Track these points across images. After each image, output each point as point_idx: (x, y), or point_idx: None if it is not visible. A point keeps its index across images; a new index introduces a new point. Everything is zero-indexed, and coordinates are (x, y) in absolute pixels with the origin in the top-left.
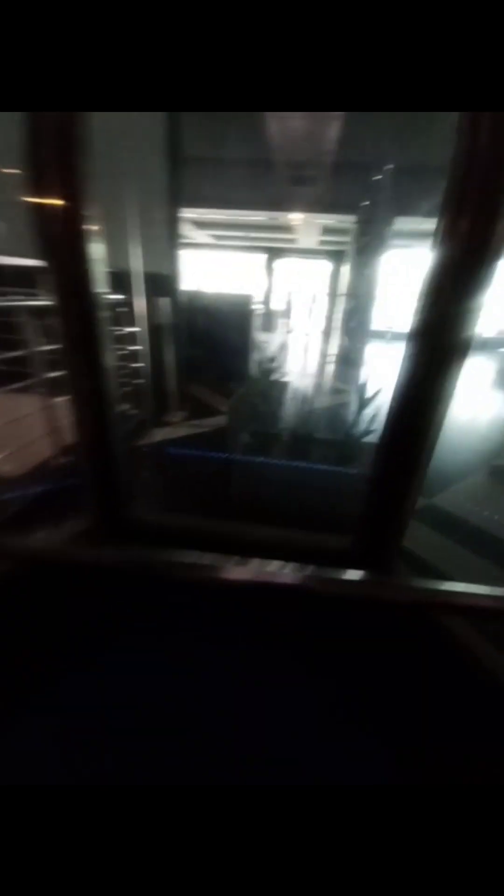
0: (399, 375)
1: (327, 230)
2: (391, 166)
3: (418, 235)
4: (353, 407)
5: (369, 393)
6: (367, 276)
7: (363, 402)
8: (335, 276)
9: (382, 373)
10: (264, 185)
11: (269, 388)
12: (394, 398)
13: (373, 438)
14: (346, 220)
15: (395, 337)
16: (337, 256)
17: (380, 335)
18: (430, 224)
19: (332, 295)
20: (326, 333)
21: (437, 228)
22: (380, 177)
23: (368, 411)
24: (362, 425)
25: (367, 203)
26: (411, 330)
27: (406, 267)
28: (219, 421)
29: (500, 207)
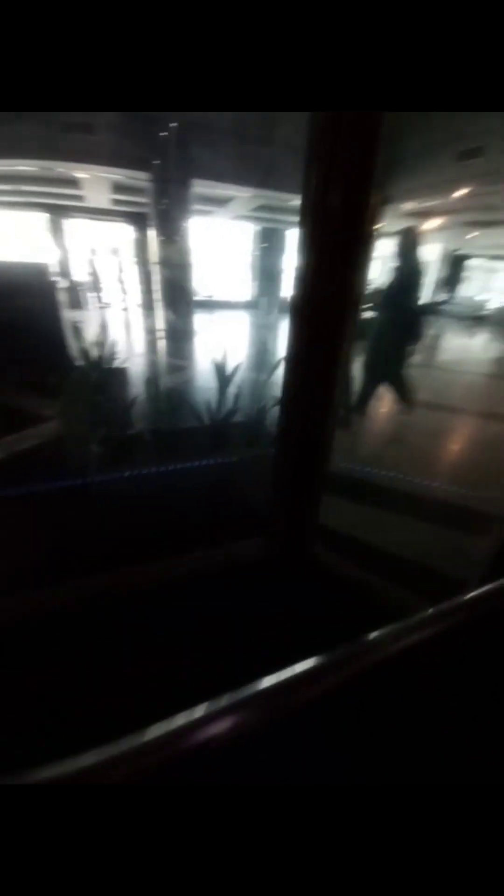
0: (289, 352)
1: (120, 188)
2: (175, 123)
3: (220, 201)
4: (216, 386)
5: (228, 369)
6: (177, 242)
7: (225, 381)
8: (142, 242)
9: (217, 344)
10: (32, 127)
11: (106, 379)
12: (287, 376)
13: (241, 417)
14: (140, 178)
15: (219, 306)
16: (139, 220)
17: (203, 305)
18: (230, 191)
19: (142, 263)
20: (147, 306)
21: (304, 200)
22: (165, 133)
23: (231, 390)
24: (228, 405)
25: (158, 161)
26: (294, 304)
27: (213, 233)
28: (44, 431)
29: (370, 179)
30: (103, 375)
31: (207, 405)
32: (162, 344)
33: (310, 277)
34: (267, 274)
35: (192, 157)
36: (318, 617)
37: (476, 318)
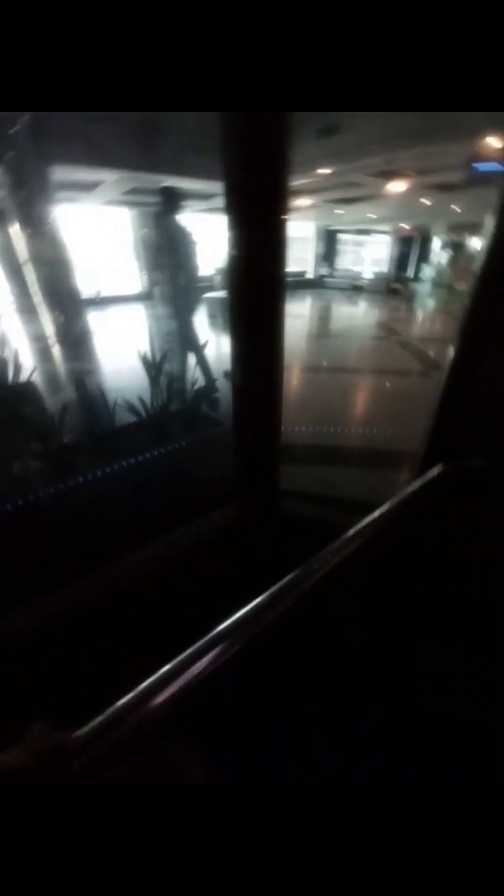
0: (232, 334)
1: None
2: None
3: (85, 187)
4: (148, 378)
5: (154, 361)
6: (48, 235)
7: (155, 373)
8: (3, 239)
9: (123, 341)
10: None
11: (20, 394)
12: (234, 357)
13: (176, 406)
14: None
15: (109, 302)
16: None
17: (92, 303)
18: (92, 174)
19: (9, 262)
20: (26, 311)
21: (225, 188)
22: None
23: (162, 380)
24: (163, 396)
25: (10, 152)
26: (229, 290)
27: (86, 222)
28: None
29: (285, 168)
30: (15, 391)
31: (139, 400)
32: (56, 350)
33: (243, 260)
34: (153, 260)
35: (47, 144)
36: (293, 547)
37: (355, 288)
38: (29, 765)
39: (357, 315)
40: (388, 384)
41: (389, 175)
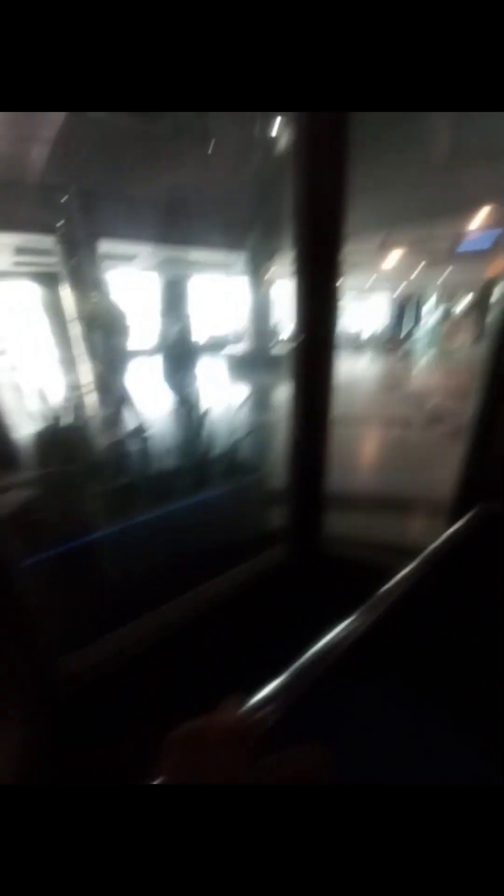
0: (293, 387)
1: (21, 250)
2: (75, 187)
3: (126, 258)
4: (191, 428)
5: (199, 411)
6: (98, 297)
7: (199, 422)
8: (53, 300)
9: (153, 392)
10: None
11: (77, 438)
12: (291, 408)
13: (217, 452)
14: (44, 240)
15: (133, 355)
16: (47, 279)
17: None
18: (133, 248)
19: (56, 320)
20: (68, 362)
21: (294, 252)
22: (66, 197)
23: (205, 430)
24: (205, 444)
25: (62, 223)
26: (293, 347)
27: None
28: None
29: (341, 234)
30: (72, 434)
31: (183, 446)
32: (92, 398)
33: (305, 319)
34: (176, 320)
35: (94, 219)
36: (338, 591)
37: (355, 346)
38: (227, 729)
39: (358, 370)
40: (386, 432)
41: (387, 246)
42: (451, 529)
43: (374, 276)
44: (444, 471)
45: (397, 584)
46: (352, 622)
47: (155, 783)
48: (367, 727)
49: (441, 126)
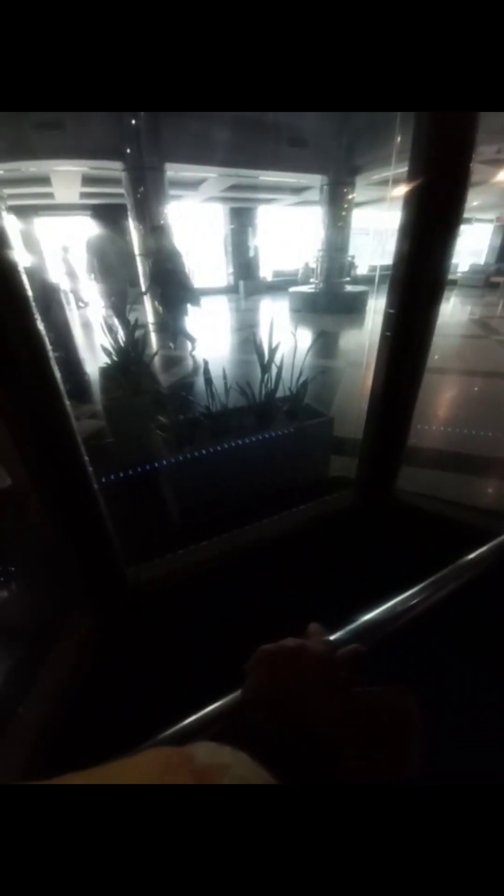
0: (385, 320)
1: (90, 180)
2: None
3: (191, 185)
4: (260, 367)
5: (267, 353)
6: (163, 231)
7: (268, 363)
8: (118, 233)
9: (213, 332)
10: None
11: (146, 373)
12: (382, 340)
13: (281, 395)
14: (112, 168)
15: (201, 293)
16: (111, 210)
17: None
18: (202, 172)
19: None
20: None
21: (408, 183)
22: (134, 120)
23: (273, 371)
24: (271, 386)
25: (130, 149)
26: (394, 275)
27: (188, 218)
28: (85, 427)
29: (468, 163)
30: (142, 370)
31: (248, 385)
32: (154, 337)
33: (409, 258)
34: (242, 256)
35: (163, 142)
36: (411, 543)
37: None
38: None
39: (448, 312)
40: (476, 389)
41: (500, 163)
42: None
43: (479, 195)
44: None
45: (496, 548)
46: (438, 581)
47: (237, 694)
48: (447, 696)
49: None
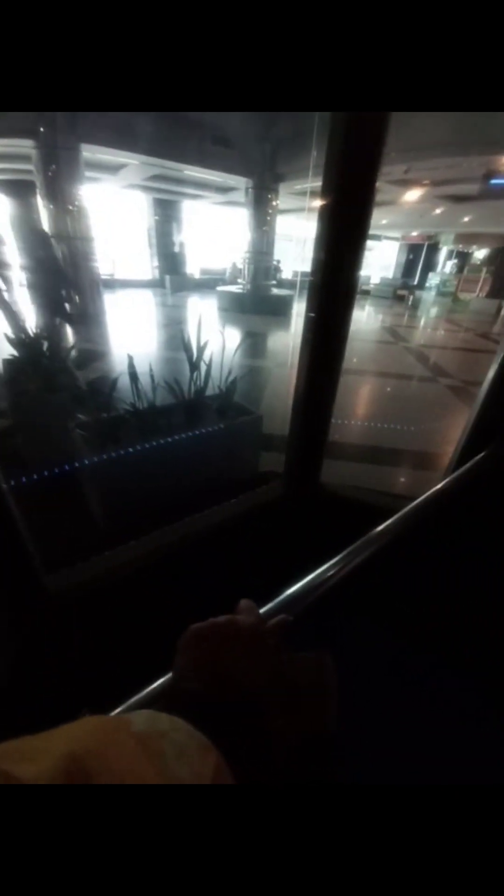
0: (306, 322)
1: None
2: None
3: (110, 168)
4: (189, 366)
5: (195, 351)
6: (75, 212)
7: (197, 360)
8: (25, 211)
9: (136, 326)
10: None
11: (57, 368)
12: (304, 342)
13: (209, 392)
14: (20, 145)
15: (120, 284)
16: (18, 188)
17: (105, 284)
18: (118, 157)
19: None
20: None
21: (322, 189)
22: None
23: (202, 369)
24: (200, 383)
25: (44, 128)
26: (312, 281)
27: (105, 203)
28: None
29: (375, 173)
30: (57, 364)
31: (177, 382)
32: (70, 329)
33: (325, 266)
34: (167, 249)
35: (80, 122)
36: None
37: (362, 292)
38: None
39: (363, 319)
40: (389, 389)
41: (407, 183)
42: (456, 473)
43: (388, 214)
44: (444, 424)
45: (398, 521)
46: (350, 553)
47: (169, 676)
48: (360, 657)
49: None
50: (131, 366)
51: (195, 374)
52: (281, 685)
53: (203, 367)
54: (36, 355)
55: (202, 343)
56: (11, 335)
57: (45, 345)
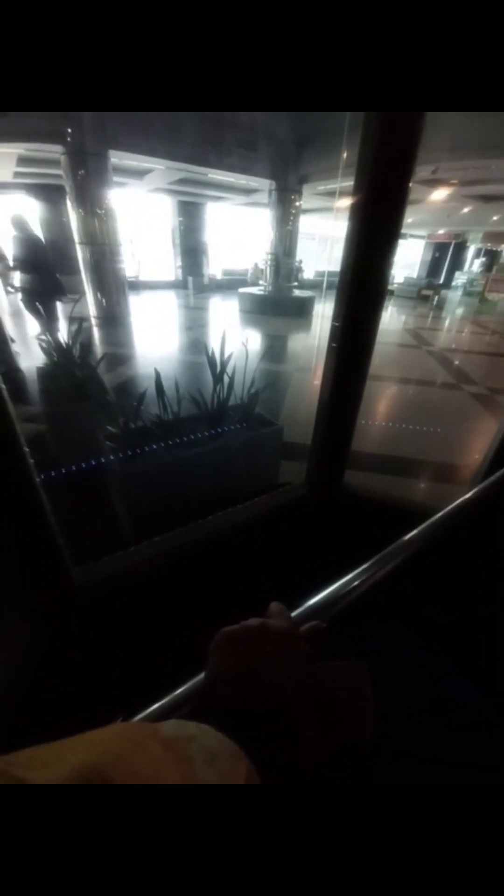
0: (333, 326)
1: (25, 161)
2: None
3: (137, 173)
4: (212, 376)
5: (219, 359)
6: (103, 216)
7: (220, 371)
8: (56, 216)
9: (160, 328)
10: None
11: (88, 378)
12: (331, 342)
13: (233, 401)
14: (50, 150)
15: (144, 286)
16: (49, 192)
17: (130, 285)
18: (148, 162)
19: (58, 238)
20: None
21: (354, 189)
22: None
23: (225, 381)
24: (223, 395)
25: (72, 132)
26: (341, 281)
27: (131, 206)
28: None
29: (408, 181)
30: (87, 374)
31: (200, 394)
32: (97, 333)
33: (355, 267)
34: (191, 250)
35: (108, 128)
36: (358, 527)
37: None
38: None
39: (385, 320)
40: (412, 393)
41: (434, 183)
42: (485, 482)
43: (413, 212)
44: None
45: (427, 529)
46: (380, 560)
47: (201, 678)
48: (391, 664)
49: None
50: (158, 381)
51: (218, 387)
52: (314, 693)
53: (226, 380)
54: (68, 364)
55: (225, 356)
56: (44, 343)
57: (77, 352)
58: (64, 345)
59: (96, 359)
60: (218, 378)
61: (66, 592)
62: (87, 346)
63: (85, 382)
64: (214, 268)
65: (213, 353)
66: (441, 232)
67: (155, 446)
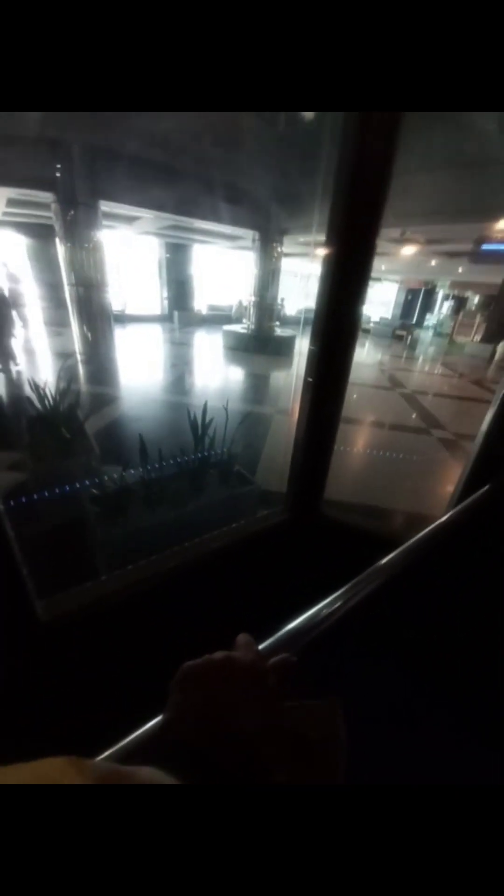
0: (309, 360)
1: (15, 202)
2: (79, 145)
3: (126, 219)
4: (193, 431)
5: (200, 427)
6: (92, 255)
7: (203, 428)
8: (44, 252)
9: (144, 364)
10: None
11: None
12: (307, 378)
13: (218, 459)
14: (37, 195)
15: (130, 319)
16: (37, 230)
17: (116, 318)
18: (132, 211)
19: (47, 277)
20: (57, 324)
21: (326, 241)
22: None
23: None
24: (204, 451)
25: (63, 180)
26: (313, 326)
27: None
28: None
29: (377, 225)
30: (75, 431)
31: (181, 450)
32: (83, 369)
33: (327, 309)
34: (177, 285)
35: (98, 179)
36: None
37: (362, 330)
38: None
39: (361, 358)
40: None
41: (404, 241)
42: (459, 506)
43: (387, 263)
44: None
45: (401, 554)
46: (354, 586)
47: (159, 719)
48: (362, 693)
49: (474, 125)
50: (142, 444)
51: (199, 447)
52: (283, 733)
53: (206, 441)
54: (55, 418)
55: (206, 420)
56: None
57: (65, 406)
58: (51, 399)
59: (82, 408)
60: (199, 440)
61: (30, 627)
62: (73, 404)
63: (70, 439)
64: (200, 303)
65: (195, 418)
66: (412, 278)
67: (135, 507)
